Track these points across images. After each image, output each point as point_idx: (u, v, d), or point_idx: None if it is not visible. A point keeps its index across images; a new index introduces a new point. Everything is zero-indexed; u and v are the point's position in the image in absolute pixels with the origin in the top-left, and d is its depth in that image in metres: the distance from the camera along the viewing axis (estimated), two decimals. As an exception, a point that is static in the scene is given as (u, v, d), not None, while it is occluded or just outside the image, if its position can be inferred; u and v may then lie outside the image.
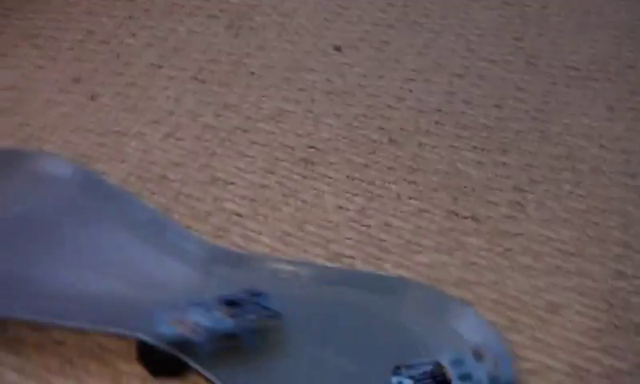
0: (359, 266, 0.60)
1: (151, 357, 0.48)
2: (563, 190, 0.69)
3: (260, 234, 0.61)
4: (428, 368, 0.47)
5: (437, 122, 0.76)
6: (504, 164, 0.72)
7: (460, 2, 0.96)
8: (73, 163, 0.59)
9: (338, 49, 0.85)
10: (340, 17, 0.90)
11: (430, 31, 0.90)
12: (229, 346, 0.46)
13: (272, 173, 0.67)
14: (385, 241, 0.62)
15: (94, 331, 0.49)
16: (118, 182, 0.64)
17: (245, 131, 0.71)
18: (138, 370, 0.49)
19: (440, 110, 0.78)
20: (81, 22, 0.83)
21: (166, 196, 0.63)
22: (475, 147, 0.73)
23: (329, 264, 0.59)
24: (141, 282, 0.51)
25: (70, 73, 0.76)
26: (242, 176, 0.66)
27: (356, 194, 0.66)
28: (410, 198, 0.67)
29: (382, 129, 0.74)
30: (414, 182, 0.68)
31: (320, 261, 0.59)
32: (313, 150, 0.70)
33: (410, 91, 0.80)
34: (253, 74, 0.79)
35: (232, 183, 0.65)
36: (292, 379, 0.46)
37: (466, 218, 0.65)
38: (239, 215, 0.63)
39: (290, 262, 0.56)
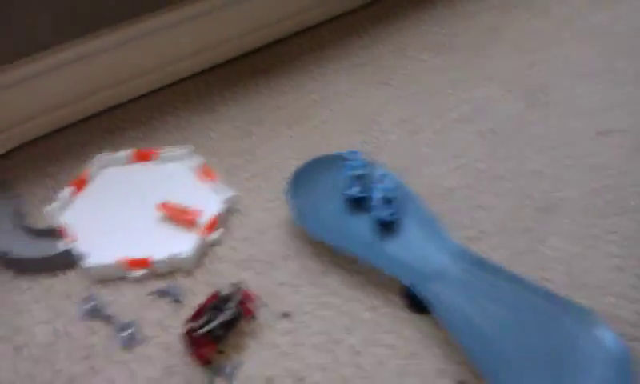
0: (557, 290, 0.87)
1: (409, 297, 0.83)
2: None
3: (494, 249, 0.92)
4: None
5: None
6: None
7: None
8: (396, 176, 0.97)
9: (605, 133, 1.10)
10: (615, 105, 1.14)
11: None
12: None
13: (519, 209, 0.97)
14: (585, 282, 0.88)
15: (387, 273, 0.85)
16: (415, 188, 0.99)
17: (507, 179, 1.02)
18: (401, 302, 0.85)
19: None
20: (419, 79, 1.20)
21: (441, 208, 0.97)
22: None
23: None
24: (417, 255, 0.87)
25: (403, 112, 1.14)
26: (495, 207, 0.97)
27: (579, 241, 0.93)
28: (616, 257, 0.91)
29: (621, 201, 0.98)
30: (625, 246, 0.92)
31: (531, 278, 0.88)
32: (552, 202, 0.98)
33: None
34: (528, 142, 1.09)
35: (486, 210, 0.97)
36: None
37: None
38: (484, 232, 0.94)
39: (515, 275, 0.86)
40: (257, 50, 1.27)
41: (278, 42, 1.28)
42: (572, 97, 1.16)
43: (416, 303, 0.83)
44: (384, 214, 0.90)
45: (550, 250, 0.92)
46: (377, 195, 0.92)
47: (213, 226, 0.91)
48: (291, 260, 0.89)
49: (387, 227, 0.91)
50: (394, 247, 0.88)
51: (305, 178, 0.94)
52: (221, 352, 0.78)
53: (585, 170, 1.03)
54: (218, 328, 0.75)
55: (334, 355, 0.79)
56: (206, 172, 0.99)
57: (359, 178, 0.94)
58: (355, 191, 0.93)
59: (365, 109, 1.14)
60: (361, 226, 0.90)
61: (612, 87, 1.17)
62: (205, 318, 0.76)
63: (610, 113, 1.13)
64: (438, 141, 1.08)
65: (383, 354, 0.80)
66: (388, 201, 0.91)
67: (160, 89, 1.18)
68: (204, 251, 0.90)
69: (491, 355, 0.76)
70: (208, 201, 0.94)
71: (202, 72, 1.22)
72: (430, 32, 1.32)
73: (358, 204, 0.93)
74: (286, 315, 0.82)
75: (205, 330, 0.75)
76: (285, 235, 0.93)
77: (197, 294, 0.85)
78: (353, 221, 0.91)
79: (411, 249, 0.87)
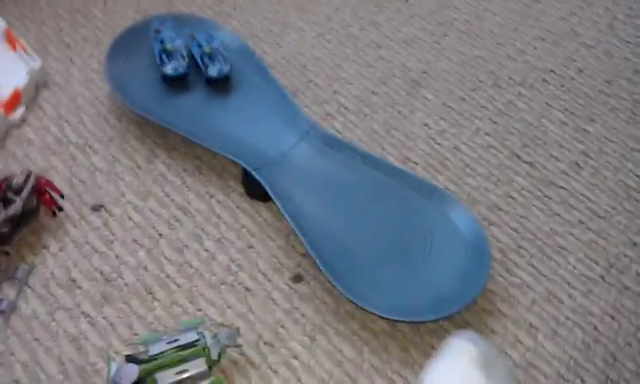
0: (419, 170, 0.77)
1: (250, 183, 0.72)
2: (625, 166, 0.79)
3: (356, 126, 0.81)
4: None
5: (544, 80, 0.88)
6: (585, 131, 0.83)
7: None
8: (244, 42, 0.83)
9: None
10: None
11: (582, 0, 0.99)
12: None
13: (385, 84, 0.85)
14: (448, 160, 0.79)
15: (221, 154, 0.73)
16: (271, 61, 0.86)
17: (378, 46, 0.89)
18: (241, 188, 0.73)
19: (552, 71, 0.89)
20: None
21: (301, 80, 0.84)
22: (566, 110, 0.85)
23: (389, 160, 0.77)
24: (258, 131, 0.74)
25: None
26: (361, 81, 0.85)
27: (443, 119, 0.82)
28: (486, 134, 0.81)
29: (492, 73, 0.88)
30: (496, 123, 0.83)
31: (390, 158, 0.78)
32: (425, 75, 0.87)
33: (535, 48, 0.92)
34: (407, 1, 0.96)
35: (351, 84, 0.85)
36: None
37: (525, 162, 0.79)
38: (346, 108, 0.82)
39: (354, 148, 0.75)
40: None
41: None
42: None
43: (256, 189, 0.71)
44: (212, 71, 0.77)
45: (417, 127, 0.81)
46: (197, 54, 0.78)
47: (14, 101, 0.76)
48: (112, 143, 0.76)
49: (221, 89, 0.77)
50: (234, 125, 0.75)
51: (127, 46, 0.79)
52: (6, 254, 0.64)
53: (461, 39, 0.91)
54: (1, 225, 0.62)
55: (152, 253, 0.68)
56: (9, 38, 0.82)
57: (171, 51, 0.78)
58: (170, 69, 0.77)
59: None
60: (191, 101, 0.77)
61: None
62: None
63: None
64: (304, 2, 0.94)
65: (214, 247, 0.69)
66: (215, 57, 0.78)
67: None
68: (6, 131, 0.75)
69: (333, 247, 0.66)
70: (12, 72, 0.78)
71: None
72: None
73: (184, 80, 0.78)
74: (97, 208, 0.70)
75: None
76: (108, 113, 0.78)
77: (-6, 185, 0.71)
78: (181, 96, 0.77)
79: (255, 127, 0.75)
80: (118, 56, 0.78)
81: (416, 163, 0.78)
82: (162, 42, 0.78)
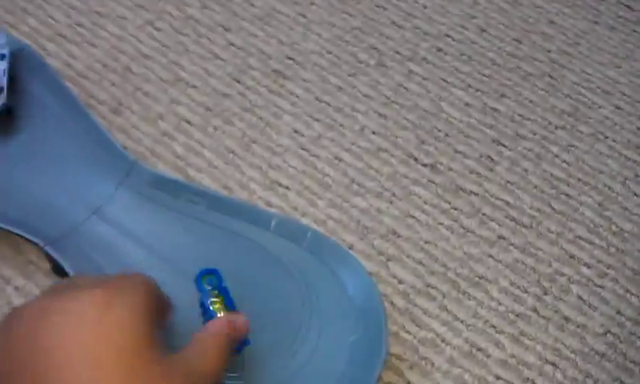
0: (292, 197, 0.59)
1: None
2: (549, 151, 0.63)
3: (203, 146, 0.61)
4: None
5: (438, 50, 0.70)
6: (495, 110, 0.66)
7: None
8: (19, 40, 0.59)
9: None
10: None
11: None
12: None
13: (238, 81, 0.65)
14: (328, 176, 0.60)
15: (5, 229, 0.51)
16: (82, 68, 0.64)
17: (226, 30, 0.69)
18: (46, 264, 0.53)
19: (448, 36, 0.71)
20: None
21: (124, 90, 0.63)
22: (469, 86, 0.67)
23: (232, 194, 0.58)
24: (55, 183, 0.53)
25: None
26: (206, 80, 0.65)
27: (317, 120, 0.64)
28: (374, 133, 0.63)
29: (375, 49, 0.69)
30: (384, 116, 0.64)
31: (253, 186, 0.59)
32: (291, 61, 0.67)
33: (425, 8, 0.73)
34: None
35: (194, 86, 0.64)
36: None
37: (425, 165, 0.62)
38: (189, 123, 0.62)
39: (205, 192, 0.55)
40: None
41: None
42: None
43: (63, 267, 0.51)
44: None
45: (284, 135, 0.62)
46: None
47: None
48: None
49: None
50: (20, 179, 0.53)
51: None
52: None
53: (332, 7, 0.72)
54: None
55: None
56: None
57: None
58: None
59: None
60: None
61: None
62: None
63: None
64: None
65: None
66: None
67: None
68: None
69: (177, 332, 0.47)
70: None
71: None
72: None
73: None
74: None
75: None
76: None
77: None
78: None
79: (51, 178, 0.53)
80: None
81: (287, 188, 0.59)
82: None
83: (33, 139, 0.54)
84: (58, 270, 0.51)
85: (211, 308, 0.43)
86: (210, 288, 0.44)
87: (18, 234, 0.50)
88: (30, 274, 0.53)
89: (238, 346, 0.43)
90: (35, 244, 0.49)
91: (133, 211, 0.52)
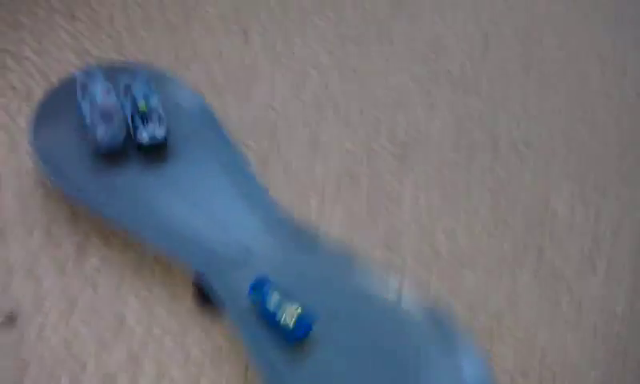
0: (409, 263, 0.65)
1: (202, 287, 0.58)
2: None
3: (335, 202, 0.68)
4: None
5: (547, 138, 0.76)
6: (597, 206, 0.71)
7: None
8: (202, 98, 0.69)
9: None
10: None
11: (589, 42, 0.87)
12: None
13: (369, 150, 0.73)
14: (440, 252, 0.66)
15: (163, 252, 0.60)
16: (236, 119, 0.73)
17: (361, 100, 0.77)
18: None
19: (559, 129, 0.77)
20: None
21: (270, 145, 0.71)
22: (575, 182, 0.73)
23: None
24: (217, 222, 0.61)
25: (234, 4, 0.84)
26: (341, 146, 0.72)
27: (435, 194, 0.70)
28: (487, 212, 0.69)
29: (491, 133, 0.76)
30: (497, 198, 0.70)
31: (375, 251, 0.65)
32: (415, 137, 0.74)
33: (537, 100, 0.79)
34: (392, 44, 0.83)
35: (330, 150, 0.72)
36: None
37: (532, 250, 0.67)
38: (324, 182, 0.69)
39: (340, 248, 0.62)
40: None
41: None
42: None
43: (210, 299, 0.58)
44: (142, 135, 0.62)
45: (406, 205, 0.69)
46: (127, 113, 0.64)
47: None
48: (36, 227, 0.62)
49: (160, 161, 0.63)
50: (180, 210, 0.61)
51: (57, 109, 0.65)
52: None
53: (455, 91, 0.79)
54: None
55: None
56: None
57: (107, 111, 0.62)
58: (102, 135, 0.62)
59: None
60: (125, 177, 0.62)
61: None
62: None
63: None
64: (276, 46, 0.81)
65: (152, 381, 0.56)
66: (150, 117, 0.63)
67: None
68: None
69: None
70: None
71: None
72: None
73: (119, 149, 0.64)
74: (11, 319, 0.56)
75: None
76: (34, 187, 0.65)
77: None
78: (115, 169, 0.63)
79: (208, 213, 0.61)
80: (47, 118, 0.64)
81: (404, 256, 0.65)
82: (92, 100, 0.64)
83: (187, 171, 0.63)
84: (202, 298, 0.59)
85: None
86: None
87: (171, 258, 0.58)
88: (174, 302, 0.60)
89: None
90: (184, 270, 0.57)
91: (277, 250, 0.59)
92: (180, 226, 0.60)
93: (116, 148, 0.62)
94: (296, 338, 0.54)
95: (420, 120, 0.76)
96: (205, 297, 0.58)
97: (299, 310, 0.54)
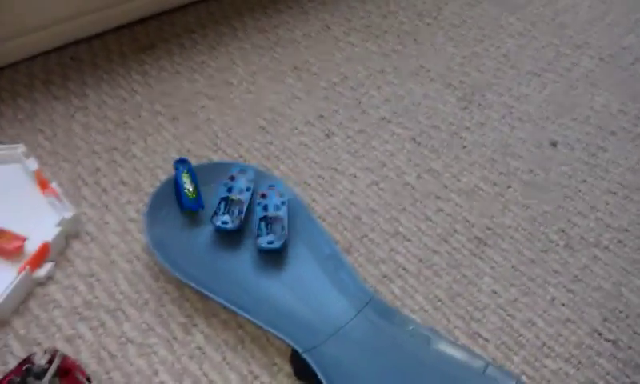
0: (490, 349, 0.68)
1: (299, 362, 0.63)
2: None
3: (416, 291, 0.72)
4: None
5: (619, 242, 0.80)
6: (671, 303, 0.74)
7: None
8: (294, 193, 0.76)
9: (554, 144, 0.91)
10: (567, 113, 0.95)
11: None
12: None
13: (446, 241, 0.78)
14: (522, 336, 0.70)
15: (267, 330, 0.64)
16: (321, 211, 0.79)
17: (437, 197, 0.82)
18: (288, 368, 0.65)
19: (627, 230, 0.81)
20: (340, 66, 0.99)
21: (354, 235, 0.77)
22: (647, 278, 0.76)
23: (458, 341, 0.68)
24: (311, 302, 0.66)
25: (317, 109, 0.92)
26: (419, 236, 0.78)
27: (513, 285, 0.74)
28: (563, 305, 0.73)
29: (563, 232, 0.80)
30: (572, 291, 0.74)
31: (457, 333, 0.69)
32: (490, 232, 0.79)
33: (607, 204, 0.84)
34: (464, 147, 0.89)
35: (409, 240, 0.77)
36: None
37: (608, 340, 0.70)
38: (405, 269, 0.74)
39: (426, 329, 0.66)
40: (133, 23, 1.03)
41: (161, 14, 1.05)
42: (516, 98, 0.97)
43: (307, 373, 0.62)
44: (262, 241, 0.69)
45: (484, 294, 0.73)
46: (257, 216, 0.71)
47: (42, 256, 0.69)
48: (147, 307, 0.68)
49: (270, 259, 0.70)
50: (282, 294, 0.67)
51: (170, 196, 0.73)
52: None
53: (526, 191, 0.84)
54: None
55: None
56: (40, 181, 0.75)
57: (234, 201, 0.72)
58: (222, 221, 0.70)
59: (268, 101, 0.93)
60: (238, 266, 0.69)
61: (562, 88, 0.99)
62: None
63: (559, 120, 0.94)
64: (356, 146, 0.88)
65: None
66: (273, 226, 0.71)
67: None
68: (29, 291, 0.68)
69: None
70: (42, 221, 0.71)
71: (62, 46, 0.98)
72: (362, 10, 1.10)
73: (236, 236, 0.72)
74: (127, 389, 0.61)
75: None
76: (144, 270, 0.71)
77: (15, 354, 0.63)
78: (227, 258, 0.70)
79: (306, 297, 0.67)
80: (160, 208, 0.71)
81: (487, 340, 0.69)
82: (229, 189, 0.72)
83: (294, 262, 0.69)
84: (300, 375, 0.63)
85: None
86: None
87: (276, 336, 0.62)
88: (274, 374, 0.64)
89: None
90: (283, 348, 0.62)
91: (368, 335, 0.63)
92: (280, 307, 0.65)
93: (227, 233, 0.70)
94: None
95: (494, 217, 0.81)
96: (302, 369, 0.62)
97: None
